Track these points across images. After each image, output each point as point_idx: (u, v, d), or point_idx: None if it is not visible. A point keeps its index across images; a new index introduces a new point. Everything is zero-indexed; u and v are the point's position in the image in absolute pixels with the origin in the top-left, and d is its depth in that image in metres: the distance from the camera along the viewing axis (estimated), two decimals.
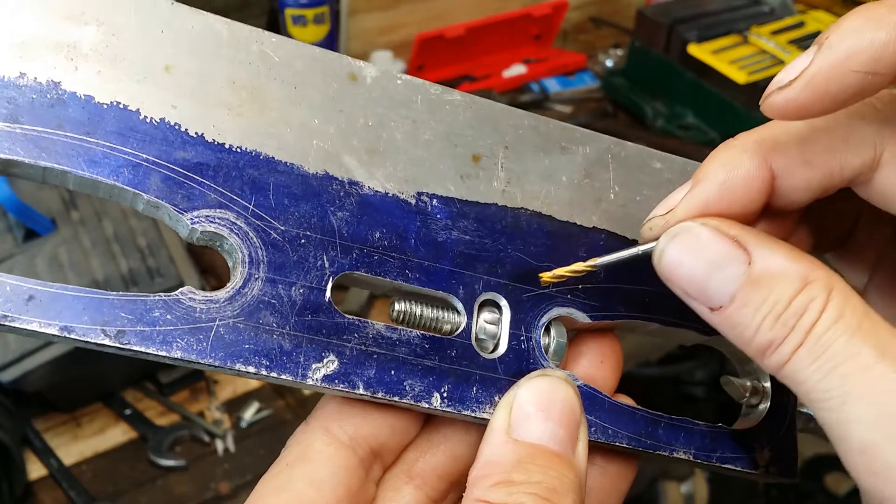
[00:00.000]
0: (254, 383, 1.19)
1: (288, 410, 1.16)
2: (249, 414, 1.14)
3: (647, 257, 0.37)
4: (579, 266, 0.39)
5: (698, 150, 1.50)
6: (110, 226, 1.11)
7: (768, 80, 1.46)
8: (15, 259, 1.06)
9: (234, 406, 1.15)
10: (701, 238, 0.35)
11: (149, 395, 1.15)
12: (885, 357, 0.31)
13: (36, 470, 1.06)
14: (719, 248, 0.35)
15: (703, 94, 1.58)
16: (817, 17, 1.68)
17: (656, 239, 0.37)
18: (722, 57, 1.55)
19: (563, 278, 0.39)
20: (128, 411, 1.12)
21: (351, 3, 1.70)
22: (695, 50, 1.58)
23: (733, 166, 0.37)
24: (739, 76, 1.50)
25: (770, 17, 1.68)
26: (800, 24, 1.64)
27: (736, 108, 1.53)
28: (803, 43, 1.58)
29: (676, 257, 0.36)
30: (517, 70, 1.78)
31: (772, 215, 0.39)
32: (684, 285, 0.36)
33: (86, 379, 1.09)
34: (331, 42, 1.64)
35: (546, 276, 0.39)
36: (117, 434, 1.11)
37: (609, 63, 1.88)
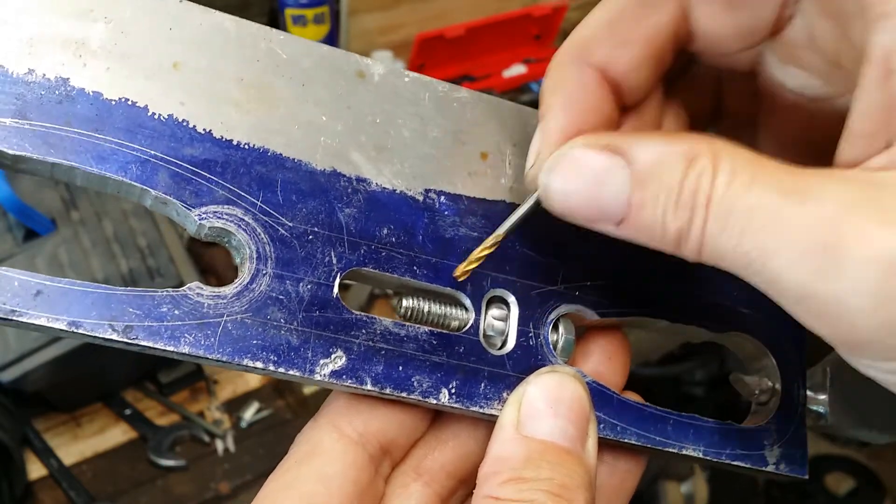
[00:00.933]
0: (254, 383, 1.19)
1: (288, 410, 1.16)
2: (249, 414, 1.14)
3: (539, 209, 0.37)
4: (487, 242, 0.38)
5: None
6: (110, 226, 1.11)
7: None
8: (15, 259, 1.06)
9: (234, 406, 1.15)
10: (574, 160, 0.34)
11: (149, 395, 1.15)
12: (788, 197, 0.29)
13: (36, 470, 1.06)
14: (595, 162, 0.33)
15: None
16: None
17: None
18: None
19: (479, 262, 0.39)
20: (128, 411, 1.12)
21: (351, 3, 1.70)
22: None
23: (563, 84, 0.36)
24: None
25: None
26: None
27: None
28: None
29: (561, 188, 0.34)
30: (517, 70, 1.78)
31: (633, 114, 0.38)
32: (581, 212, 0.34)
33: (86, 379, 1.09)
34: (331, 42, 1.64)
35: (460, 270, 0.39)
36: (117, 434, 1.11)
37: None
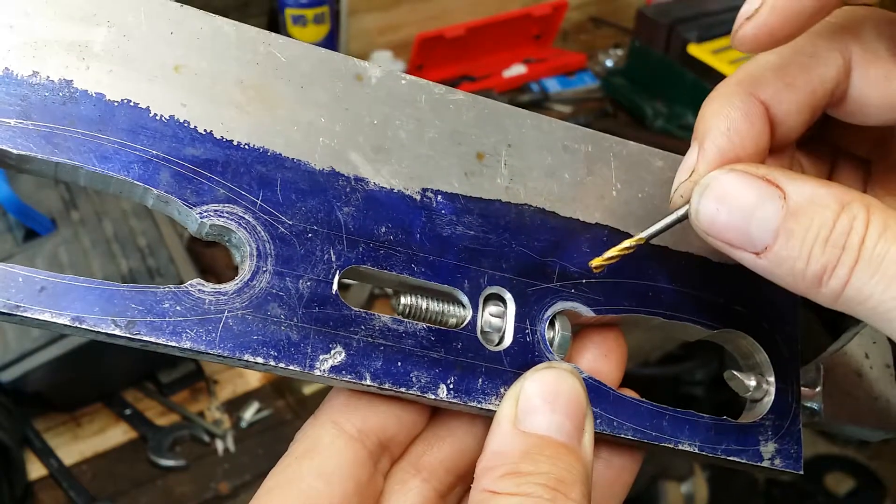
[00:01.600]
0: (254, 383, 1.19)
1: (288, 410, 1.16)
2: (249, 414, 1.14)
3: (683, 221, 0.38)
4: (628, 242, 0.40)
5: None
6: (110, 226, 1.11)
7: None
8: (15, 259, 1.06)
9: (234, 406, 1.15)
10: (731, 184, 0.35)
11: (149, 395, 1.15)
12: None
13: (36, 470, 1.06)
14: (752, 190, 0.35)
15: (703, 95, 1.56)
16: None
17: (688, 202, 0.37)
18: (722, 57, 1.55)
19: (616, 259, 0.40)
20: (128, 411, 1.12)
21: (351, 3, 1.70)
22: (695, 50, 1.58)
23: (728, 111, 0.37)
24: None
25: None
26: None
27: None
28: None
29: (713, 209, 0.36)
30: (517, 70, 1.78)
31: (773, 155, 0.40)
32: (726, 235, 0.36)
33: (86, 379, 1.09)
34: (331, 42, 1.64)
35: (597, 262, 0.40)
36: (117, 434, 1.11)
37: (609, 63, 1.88)
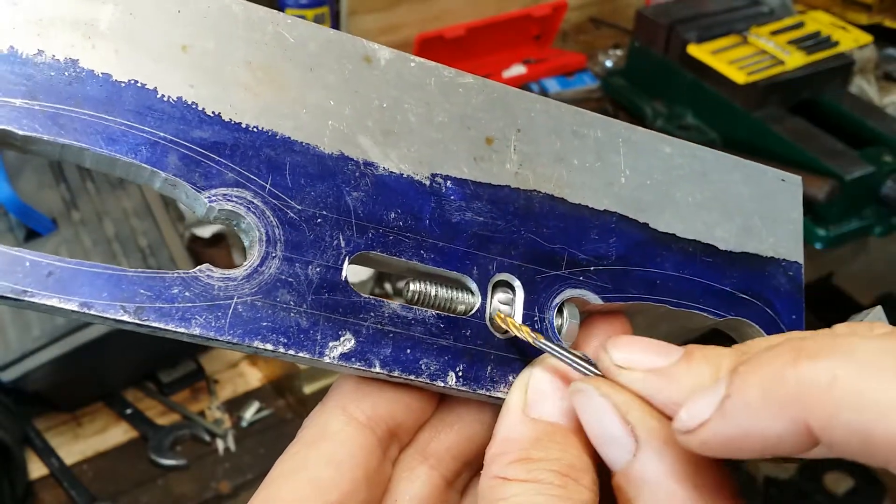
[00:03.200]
0: (254, 383, 1.19)
1: (288, 410, 1.16)
2: (250, 413, 1.14)
3: None
4: (528, 336, 0.38)
5: None
6: (111, 226, 1.11)
7: (768, 80, 1.46)
8: None
9: (235, 405, 1.15)
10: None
11: (149, 394, 1.15)
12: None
13: (37, 469, 1.06)
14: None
15: (703, 95, 1.58)
16: (817, 18, 1.68)
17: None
18: (721, 57, 1.55)
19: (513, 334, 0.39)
20: (128, 411, 1.12)
21: (351, 3, 1.70)
22: (694, 50, 1.58)
23: None
24: (739, 76, 1.50)
25: (769, 17, 1.68)
26: (799, 25, 1.64)
27: (735, 109, 1.53)
28: (802, 43, 1.58)
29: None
30: (517, 70, 1.78)
31: None
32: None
33: (86, 378, 1.09)
34: None
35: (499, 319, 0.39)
36: (118, 433, 1.11)
37: (609, 63, 1.88)
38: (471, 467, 0.40)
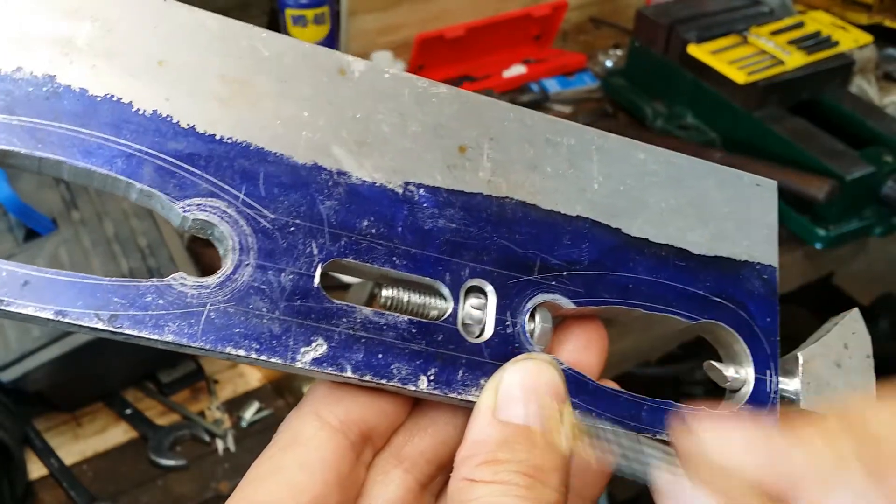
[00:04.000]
0: (254, 383, 1.19)
1: (288, 410, 1.15)
2: (250, 414, 1.14)
3: None
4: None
5: (698, 150, 1.50)
6: (111, 226, 1.11)
7: (768, 80, 1.46)
8: (15, 259, 1.06)
9: (235, 406, 1.15)
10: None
11: (149, 394, 1.15)
12: None
13: (37, 469, 1.06)
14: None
15: (703, 95, 1.58)
16: (817, 18, 1.68)
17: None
18: (721, 57, 1.55)
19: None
20: (128, 411, 1.12)
21: (351, 3, 1.70)
22: (694, 50, 1.58)
23: None
24: (739, 76, 1.50)
25: (769, 17, 1.68)
26: (799, 25, 1.64)
27: (735, 109, 1.53)
28: (802, 43, 1.58)
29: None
30: (517, 70, 1.78)
31: None
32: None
33: (86, 379, 1.09)
34: (331, 42, 1.64)
35: None
36: (118, 434, 1.11)
37: (609, 63, 1.88)
38: (445, 470, 0.41)
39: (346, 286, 1.24)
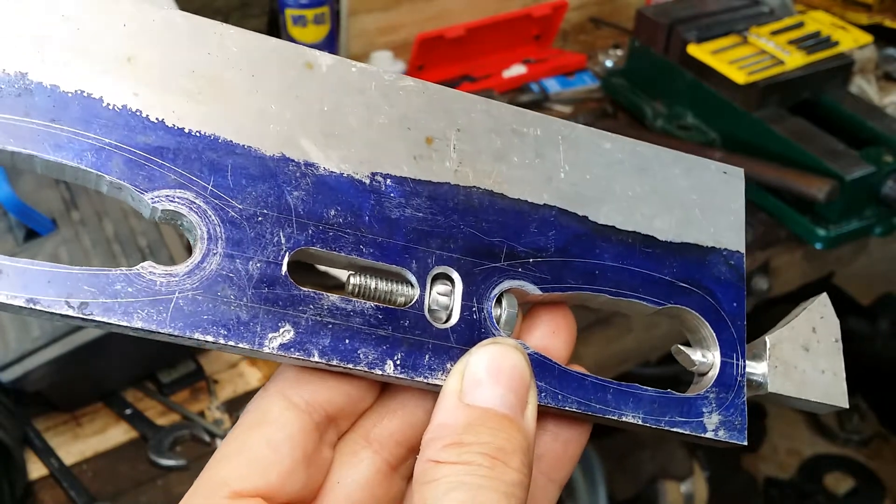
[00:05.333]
0: (254, 383, 1.19)
1: None
2: None
3: None
4: None
5: (698, 150, 1.50)
6: (111, 226, 1.11)
7: (768, 80, 1.46)
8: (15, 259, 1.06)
9: (235, 406, 1.15)
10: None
11: (149, 394, 1.15)
12: None
13: (36, 469, 1.06)
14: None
15: (703, 95, 1.58)
16: (817, 18, 1.68)
17: None
18: (721, 57, 1.55)
19: None
20: (128, 411, 1.12)
21: (351, 3, 1.70)
22: (694, 50, 1.58)
23: None
24: (739, 76, 1.51)
25: (769, 17, 1.68)
26: (799, 25, 1.64)
27: (735, 109, 1.53)
28: (802, 43, 1.58)
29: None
30: (517, 70, 1.78)
31: None
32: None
33: (86, 379, 1.10)
34: (331, 42, 1.64)
35: None
36: (118, 434, 1.11)
37: (609, 63, 1.88)
38: (414, 452, 0.41)
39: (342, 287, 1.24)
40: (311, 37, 1.60)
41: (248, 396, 1.17)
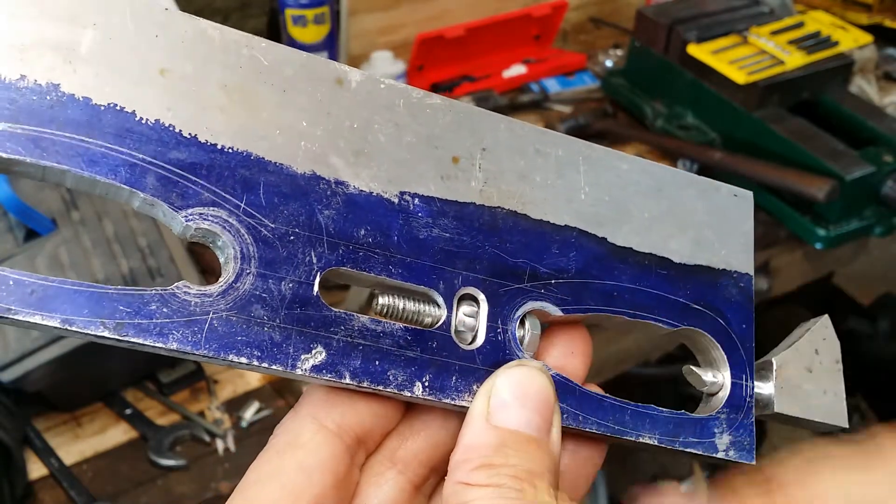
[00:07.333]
0: (254, 383, 1.19)
1: (287, 410, 1.16)
2: (250, 414, 1.14)
3: None
4: None
5: (698, 150, 1.50)
6: (111, 226, 1.11)
7: (768, 80, 1.46)
8: (15, 259, 1.06)
9: (235, 406, 1.15)
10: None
11: (149, 394, 1.15)
12: None
13: (36, 469, 1.06)
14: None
15: (703, 95, 1.58)
16: (817, 18, 1.68)
17: None
18: (721, 57, 1.55)
19: None
20: (128, 411, 1.12)
21: (351, 3, 1.70)
22: (694, 50, 1.58)
23: None
24: (739, 76, 1.51)
25: (769, 17, 1.68)
26: (799, 25, 1.64)
27: (735, 109, 1.53)
28: (802, 43, 1.58)
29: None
30: (517, 70, 1.78)
31: None
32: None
33: (86, 379, 1.10)
34: (331, 42, 1.64)
35: None
36: (118, 434, 1.11)
37: (609, 63, 1.88)
38: (437, 473, 0.42)
39: (345, 287, 1.24)
40: (311, 37, 1.60)
41: (248, 396, 1.17)
